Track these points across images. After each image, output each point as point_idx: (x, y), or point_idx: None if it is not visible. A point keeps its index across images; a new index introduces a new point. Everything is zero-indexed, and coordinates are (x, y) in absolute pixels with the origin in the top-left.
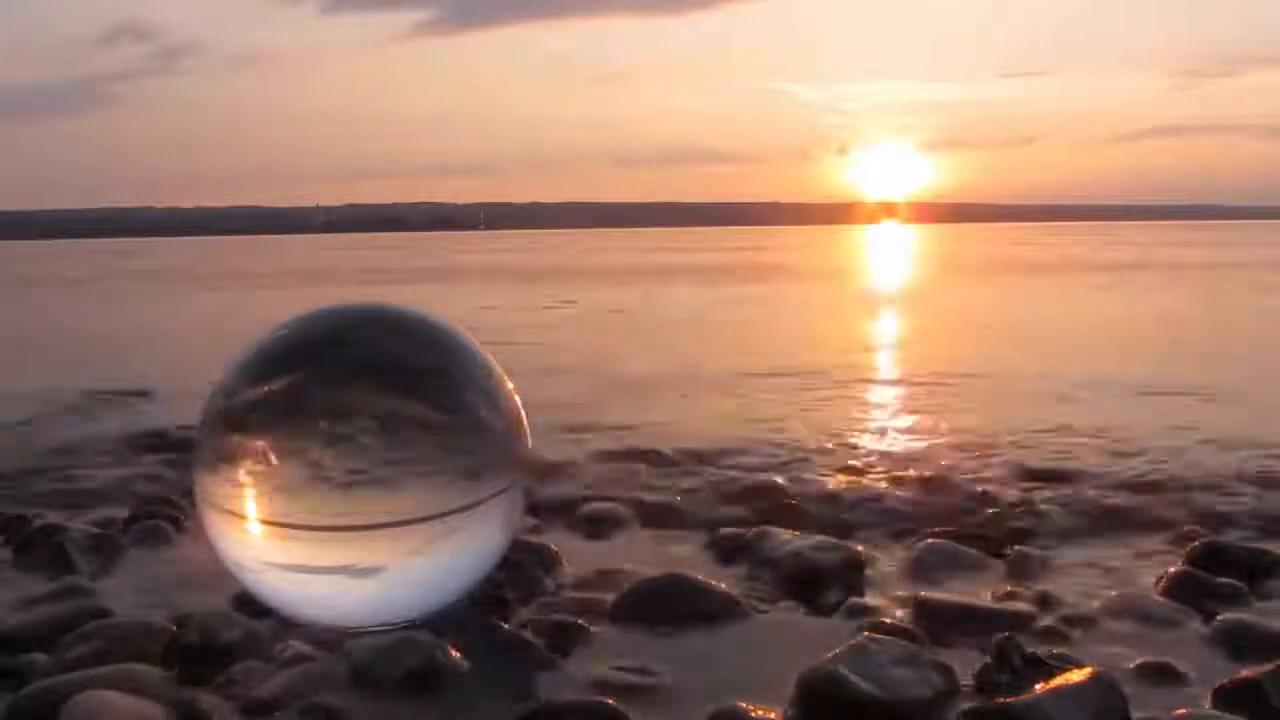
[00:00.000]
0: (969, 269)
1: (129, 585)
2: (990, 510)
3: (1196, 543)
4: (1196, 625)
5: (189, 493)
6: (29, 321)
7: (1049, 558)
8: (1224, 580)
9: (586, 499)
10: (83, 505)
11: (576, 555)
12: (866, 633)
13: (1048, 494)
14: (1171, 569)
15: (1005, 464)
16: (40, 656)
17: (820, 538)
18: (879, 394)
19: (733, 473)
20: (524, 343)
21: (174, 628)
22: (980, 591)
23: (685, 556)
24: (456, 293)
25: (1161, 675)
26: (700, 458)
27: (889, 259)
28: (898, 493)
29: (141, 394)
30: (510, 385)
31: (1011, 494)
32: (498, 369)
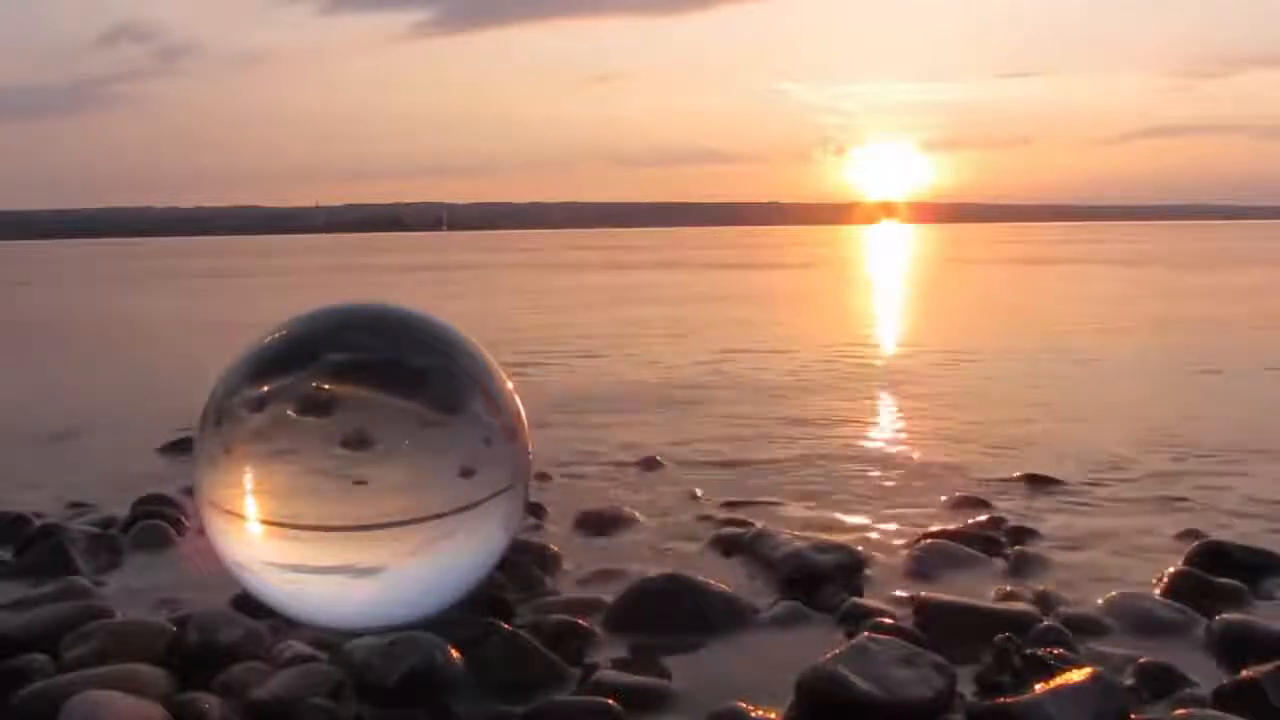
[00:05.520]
0: None
1: (129, 585)
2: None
3: (1197, 543)
4: (1196, 625)
5: (189, 492)
6: None
7: (1049, 558)
8: (1224, 580)
9: None
10: (83, 505)
11: (576, 555)
12: (866, 633)
13: None
14: (1171, 569)
15: None
16: (40, 656)
17: (821, 537)
18: None
19: None
20: None
21: (174, 628)
22: (980, 591)
23: (685, 556)
24: None
25: (1161, 675)
26: None
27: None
28: None
29: None
30: (510, 385)
31: None
32: (498, 369)
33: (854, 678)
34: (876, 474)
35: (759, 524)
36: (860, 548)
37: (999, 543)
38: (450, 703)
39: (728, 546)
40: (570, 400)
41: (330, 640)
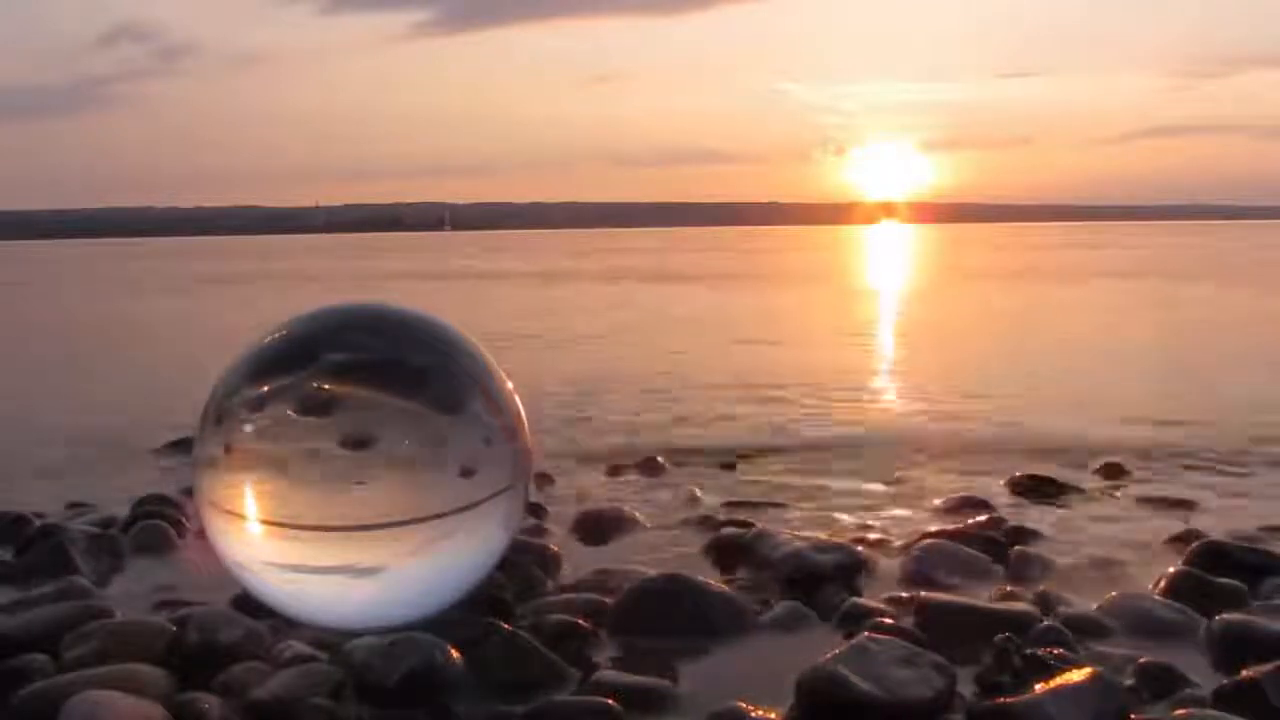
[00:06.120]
0: None
1: (129, 585)
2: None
3: (1197, 543)
4: (1196, 625)
5: (189, 492)
6: None
7: (1049, 558)
8: (1224, 580)
9: None
10: (83, 505)
11: (576, 555)
12: (866, 633)
13: None
14: (1171, 569)
15: None
16: (40, 656)
17: (821, 537)
18: None
19: None
20: None
21: (174, 628)
22: (980, 591)
23: (686, 557)
24: None
25: (1161, 675)
26: None
27: None
28: None
29: None
30: (510, 385)
31: None
32: (498, 369)
33: (854, 678)
34: (877, 474)
35: (759, 524)
36: (860, 548)
37: (999, 543)
38: (450, 703)
39: (728, 547)
40: (571, 400)
41: (330, 640)
